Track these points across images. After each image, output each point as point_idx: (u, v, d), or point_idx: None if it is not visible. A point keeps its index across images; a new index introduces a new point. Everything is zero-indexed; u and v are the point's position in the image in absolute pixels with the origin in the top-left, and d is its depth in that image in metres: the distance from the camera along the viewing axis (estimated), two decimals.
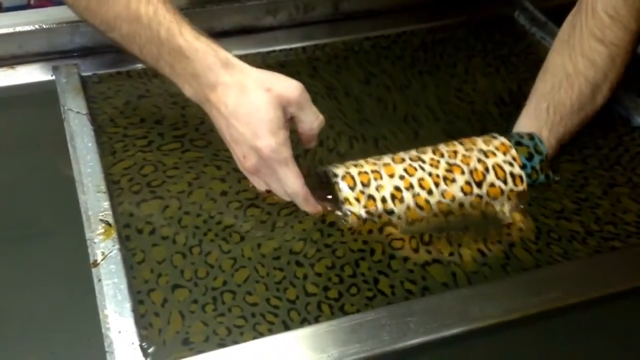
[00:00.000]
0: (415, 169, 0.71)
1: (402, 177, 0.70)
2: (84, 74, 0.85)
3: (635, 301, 0.66)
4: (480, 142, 0.74)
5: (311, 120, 0.69)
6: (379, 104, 0.85)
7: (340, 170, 0.71)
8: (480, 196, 0.72)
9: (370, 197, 0.69)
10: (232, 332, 0.60)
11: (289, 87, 0.67)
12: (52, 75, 0.84)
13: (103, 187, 0.70)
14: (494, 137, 0.75)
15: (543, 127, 0.76)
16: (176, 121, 0.80)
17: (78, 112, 0.79)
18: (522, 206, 0.72)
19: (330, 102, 0.84)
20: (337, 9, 0.96)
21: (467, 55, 0.94)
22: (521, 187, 0.73)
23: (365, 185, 0.70)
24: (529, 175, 0.73)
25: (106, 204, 0.69)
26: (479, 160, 0.72)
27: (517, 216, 0.71)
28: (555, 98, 0.76)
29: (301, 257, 0.67)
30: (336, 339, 0.59)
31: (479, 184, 0.72)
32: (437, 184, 0.71)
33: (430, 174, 0.71)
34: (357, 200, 0.69)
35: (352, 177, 0.70)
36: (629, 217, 0.73)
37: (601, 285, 0.65)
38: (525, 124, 0.77)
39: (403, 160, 0.72)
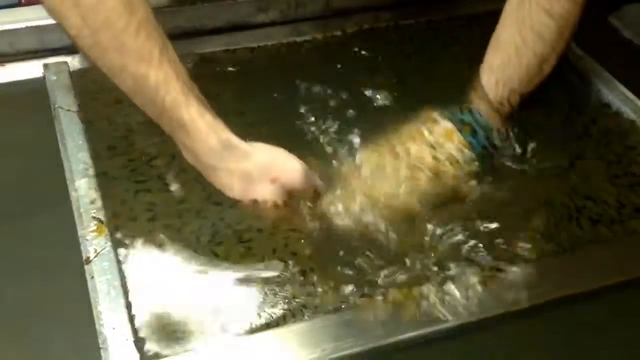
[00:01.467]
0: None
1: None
2: (74, 71, 0.84)
3: None
4: (426, 133, 0.75)
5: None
6: (373, 97, 0.85)
7: None
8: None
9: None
10: (227, 329, 0.60)
11: (294, 176, 0.69)
12: (42, 73, 0.84)
13: (94, 184, 0.70)
14: (435, 122, 0.76)
15: (493, 101, 0.77)
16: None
17: (68, 110, 0.78)
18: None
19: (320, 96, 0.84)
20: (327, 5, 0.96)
21: (464, 49, 0.94)
22: (474, 167, 0.75)
23: None
24: (479, 153, 0.75)
25: (98, 201, 0.68)
26: (433, 157, 0.74)
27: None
28: (505, 73, 0.77)
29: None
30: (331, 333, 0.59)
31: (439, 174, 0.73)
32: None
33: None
34: None
35: None
36: None
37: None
38: (475, 98, 0.78)
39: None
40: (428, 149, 0.74)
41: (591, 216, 0.72)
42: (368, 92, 0.86)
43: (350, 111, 0.83)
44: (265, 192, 0.69)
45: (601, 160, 0.79)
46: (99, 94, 0.82)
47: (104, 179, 0.72)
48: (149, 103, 0.67)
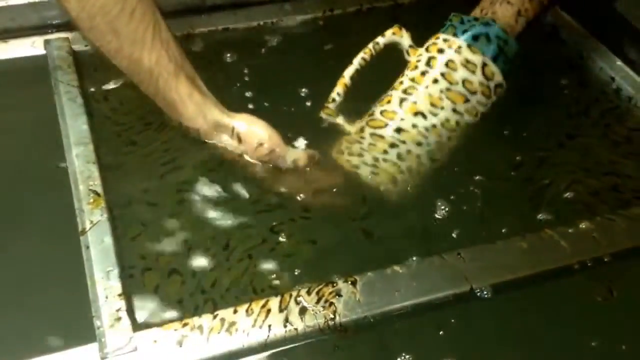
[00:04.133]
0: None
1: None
2: (75, 47, 0.85)
3: None
4: (442, 66, 0.73)
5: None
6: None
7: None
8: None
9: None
10: (224, 297, 0.61)
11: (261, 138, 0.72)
12: (44, 49, 0.84)
13: (93, 158, 0.70)
14: (449, 45, 0.73)
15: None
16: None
17: (69, 85, 0.79)
18: None
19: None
20: None
21: None
22: (499, 79, 0.73)
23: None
24: (502, 63, 0.73)
25: (96, 175, 0.69)
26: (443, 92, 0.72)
27: None
28: None
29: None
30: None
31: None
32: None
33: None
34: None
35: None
36: None
37: None
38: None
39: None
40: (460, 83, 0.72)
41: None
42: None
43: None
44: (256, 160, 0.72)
45: None
46: (101, 70, 0.82)
47: (102, 152, 0.72)
48: (144, 83, 0.71)
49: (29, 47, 0.85)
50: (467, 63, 0.72)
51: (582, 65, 0.89)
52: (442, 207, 0.69)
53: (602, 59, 0.87)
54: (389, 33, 0.76)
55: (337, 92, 0.77)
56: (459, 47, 0.73)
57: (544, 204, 0.70)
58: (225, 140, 0.73)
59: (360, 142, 0.74)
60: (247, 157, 0.73)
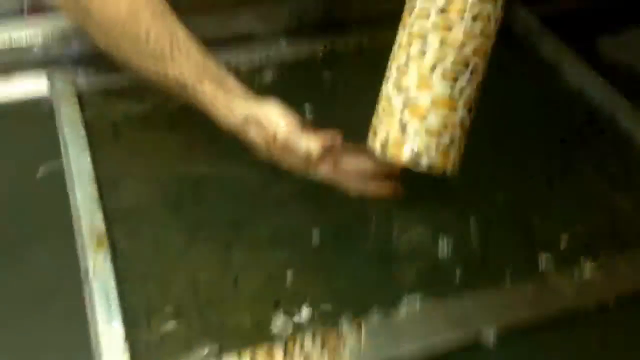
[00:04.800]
0: None
1: None
2: (79, 82, 0.85)
3: None
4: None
5: None
6: None
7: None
8: None
9: None
10: (229, 340, 0.61)
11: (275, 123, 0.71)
12: (48, 84, 0.85)
13: (96, 198, 0.71)
14: None
15: None
16: (171, 131, 0.81)
17: (72, 121, 0.79)
18: None
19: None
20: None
21: None
22: None
23: None
24: None
25: (99, 216, 0.69)
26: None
27: None
28: None
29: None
30: None
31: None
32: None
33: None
34: None
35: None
36: None
37: None
38: None
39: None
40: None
41: None
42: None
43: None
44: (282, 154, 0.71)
45: None
46: (104, 105, 0.83)
47: (106, 192, 0.72)
48: (177, 94, 0.75)
49: (33, 82, 0.85)
50: None
51: (580, 98, 0.89)
52: (443, 248, 0.69)
53: (601, 92, 0.88)
54: None
55: None
56: None
57: (542, 245, 0.70)
58: (254, 135, 0.71)
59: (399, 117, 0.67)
60: (273, 152, 0.71)
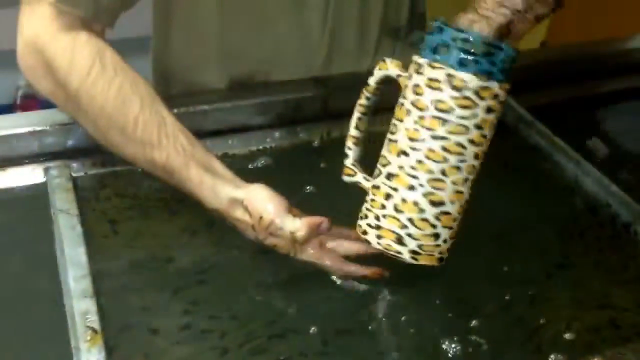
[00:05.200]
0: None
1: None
2: (75, 174, 0.85)
3: None
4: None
5: None
6: None
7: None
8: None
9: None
10: None
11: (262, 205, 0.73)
12: (44, 177, 0.85)
13: (90, 292, 0.70)
14: (415, 69, 0.65)
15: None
16: (166, 223, 0.80)
17: (68, 214, 0.79)
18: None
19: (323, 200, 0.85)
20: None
21: None
22: (477, 83, 0.64)
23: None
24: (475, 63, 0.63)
25: (93, 309, 0.68)
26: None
27: None
28: None
29: None
30: None
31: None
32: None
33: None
34: None
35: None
36: None
37: None
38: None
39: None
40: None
41: None
42: None
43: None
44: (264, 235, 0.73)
45: None
46: (100, 199, 0.83)
47: (101, 286, 0.71)
48: (166, 178, 0.77)
49: (29, 175, 0.85)
50: (431, 82, 0.64)
51: (576, 190, 0.89)
52: (445, 349, 0.68)
53: (597, 184, 0.88)
54: (375, 69, 0.71)
55: (348, 146, 0.73)
56: (420, 67, 0.65)
57: (545, 346, 0.69)
58: (240, 216, 0.73)
59: (365, 200, 0.70)
60: (259, 233, 0.73)
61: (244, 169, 0.89)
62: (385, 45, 1.03)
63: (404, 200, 0.66)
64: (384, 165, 0.68)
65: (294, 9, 0.95)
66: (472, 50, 0.63)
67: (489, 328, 0.70)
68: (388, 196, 0.67)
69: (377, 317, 0.71)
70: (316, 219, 0.71)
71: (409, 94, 0.66)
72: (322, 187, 0.86)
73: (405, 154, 0.66)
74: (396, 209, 0.67)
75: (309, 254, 0.73)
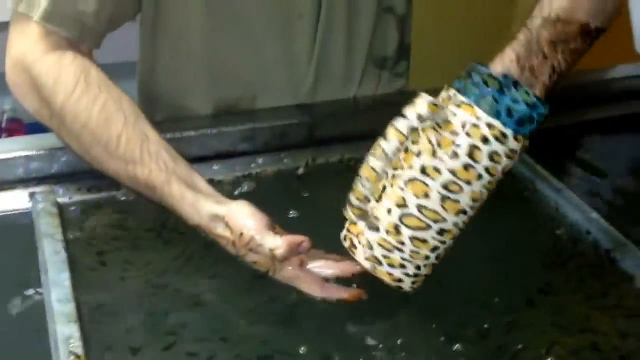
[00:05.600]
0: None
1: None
2: (61, 200, 0.85)
3: None
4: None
5: None
6: None
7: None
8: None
9: None
10: None
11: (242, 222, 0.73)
12: (29, 202, 0.85)
13: (74, 317, 0.70)
14: (494, 134, 0.63)
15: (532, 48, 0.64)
16: (154, 249, 0.81)
17: (53, 239, 0.79)
18: None
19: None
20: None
21: None
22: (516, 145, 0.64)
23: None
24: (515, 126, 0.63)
25: (77, 334, 0.68)
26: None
27: None
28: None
29: None
30: None
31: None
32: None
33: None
34: None
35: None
36: None
37: None
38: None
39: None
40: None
41: None
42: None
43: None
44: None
45: None
46: (85, 223, 0.83)
47: (85, 311, 0.71)
48: (149, 197, 0.78)
49: (14, 200, 0.86)
50: (511, 154, 0.65)
51: (558, 217, 0.90)
52: None
53: (578, 212, 0.89)
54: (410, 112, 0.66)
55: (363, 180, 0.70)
56: (504, 136, 0.63)
57: None
58: (221, 232, 0.73)
59: (401, 249, 0.67)
60: (239, 250, 0.73)
61: (229, 195, 0.88)
62: (371, 75, 1.05)
63: (446, 250, 0.69)
64: (435, 220, 0.66)
65: (281, 35, 0.96)
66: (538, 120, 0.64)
67: (471, 353, 0.70)
68: (435, 249, 0.68)
69: (363, 341, 0.71)
70: (297, 238, 0.71)
71: (485, 159, 0.64)
72: (306, 214, 0.86)
73: (464, 212, 0.67)
74: (438, 259, 0.69)
75: (288, 273, 0.73)
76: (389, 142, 0.68)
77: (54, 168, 0.88)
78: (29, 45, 0.81)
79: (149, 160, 0.76)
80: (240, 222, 0.72)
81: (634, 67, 1.18)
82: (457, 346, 0.70)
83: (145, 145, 0.77)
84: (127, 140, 0.77)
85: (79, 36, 0.82)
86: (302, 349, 0.69)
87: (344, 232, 0.73)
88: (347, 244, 0.72)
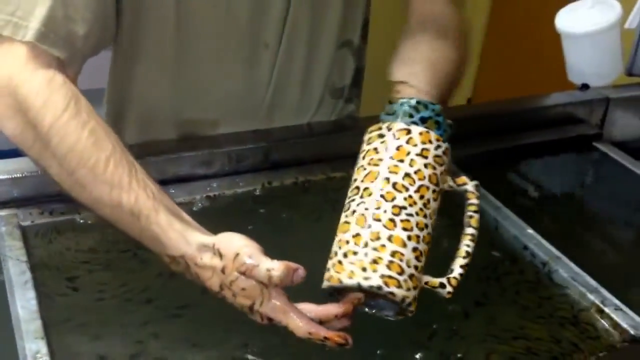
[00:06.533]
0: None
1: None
2: (23, 223, 0.88)
3: None
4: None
5: None
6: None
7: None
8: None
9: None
10: None
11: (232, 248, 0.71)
12: None
13: (41, 334, 0.72)
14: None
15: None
16: (130, 270, 0.83)
17: (17, 260, 0.81)
18: None
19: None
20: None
21: None
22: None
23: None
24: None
25: (44, 351, 0.70)
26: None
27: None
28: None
29: None
30: None
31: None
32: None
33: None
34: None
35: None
36: None
37: None
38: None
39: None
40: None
41: None
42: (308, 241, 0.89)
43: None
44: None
45: None
46: (49, 245, 0.86)
47: (52, 330, 0.74)
48: (128, 225, 0.75)
49: None
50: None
51: (496, 233, 0.95)
52: None
53: (515, 228, 0.95)
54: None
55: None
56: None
57: None
58: (208, 262, 0.71)
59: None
60: (228, 276, 0.70)
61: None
62: (327, 104, 1.10)
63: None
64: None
65: (248, 64, 1.00)
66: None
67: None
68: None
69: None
70: (293, 264, 0.69)
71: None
72: (262, 230, 0.89)
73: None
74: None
75: (275, 305, 0.69)
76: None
77: (16, 192, 0.89)
78: (15, 66, 0.79)
79: (137, 187, 0.75)
80: (235, 244, 0.70)
81: (566, 94, 1.25)
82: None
83: (133, 172, 0.76)
84: (115, 164, 0.75)
85: (69, 57, 0.82)
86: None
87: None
88: (326, 284, 0.73)
